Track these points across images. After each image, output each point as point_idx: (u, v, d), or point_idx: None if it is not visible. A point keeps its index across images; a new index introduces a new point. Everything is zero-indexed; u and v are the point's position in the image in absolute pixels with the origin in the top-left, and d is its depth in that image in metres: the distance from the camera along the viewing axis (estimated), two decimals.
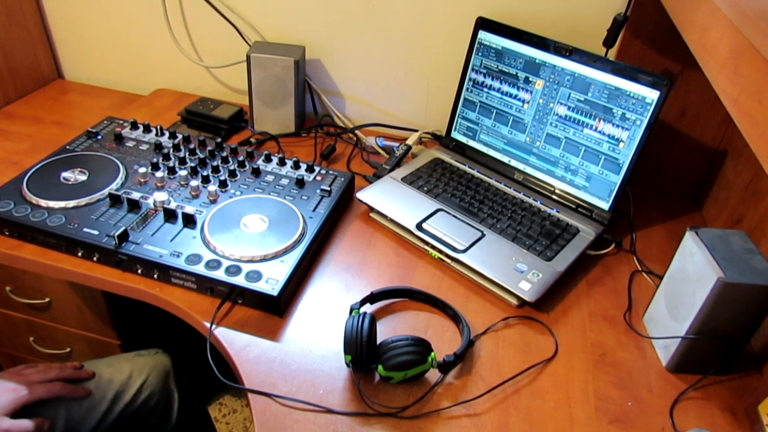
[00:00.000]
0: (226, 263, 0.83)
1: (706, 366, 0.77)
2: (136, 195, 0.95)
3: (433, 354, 0.73)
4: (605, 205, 1.01)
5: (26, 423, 0.75)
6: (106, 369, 0.89)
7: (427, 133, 1.26)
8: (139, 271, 0.86)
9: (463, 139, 1.17)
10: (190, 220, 0.90)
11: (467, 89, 1.13)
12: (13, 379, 0.79)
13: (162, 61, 1.39)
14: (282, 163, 1.07)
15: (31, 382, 0.79)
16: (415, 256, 0.96)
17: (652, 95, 0.91)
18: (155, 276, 0.85)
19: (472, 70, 1.11)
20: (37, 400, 0.78)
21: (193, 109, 1.25)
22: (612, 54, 1.06)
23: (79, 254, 0.88)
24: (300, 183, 1.02)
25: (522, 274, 0.89)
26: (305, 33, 1.27)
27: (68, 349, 1.14)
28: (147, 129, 1.13)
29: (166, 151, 1.07)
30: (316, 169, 1.07)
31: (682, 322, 0.76)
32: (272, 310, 0.82)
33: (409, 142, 1.19)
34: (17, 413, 0.76)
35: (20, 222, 0.88)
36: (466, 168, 1.12)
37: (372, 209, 1.02)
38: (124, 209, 0.92)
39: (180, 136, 1.11)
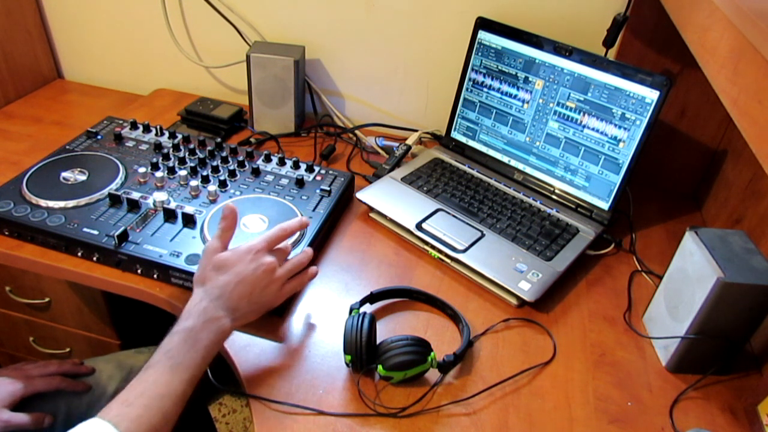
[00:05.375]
0: None
1: (706, 366, 0.77)
2: (135, 195, 0.95)
3: (432, 354, 0.73)
4: (605, 205, 1.01)
5: (24, 416, 0.75)
6: (107, 365, 0.90)
7: (427, 133, 1.26)
8: (139, 271, 0.86)
9: (463, 139, 1.17)
10: (189, 220, 0.90)
11: (467, 89, 1.13)
12: (12, 374, 0.79)
13: (162, 61, 1.39)
14: (282, 163, 1.07)
15: (29, 376, 0.80)
16: (415, 256, 0.96)
17: (651, 95, 0.91)
18: (155, 276, 0.85)
19: (472, 69, 1.11)
20: (35, 393, 0.79)
21: (192, 109, 1.25)
22: (612, 54, 1.06)
23: (79, 254, 0.88)
24: (300, 183, 1.02)
25: (522, 274, 0.89)
26: (305, 33, 1.27)
27: (68, 349, 1.14)
28: (147, 129, 1.13)
29: (165, 151, 1.07)
30: (316, 169, 1.07)
31: (682, 322, 0.76)
32: (272, 310, 0.82)
33: (409, 142, 1.19)
34: (17, 408, 0.76)
35: (20, 222, 0.88)
36: (465, 168, 1.12)
37: (372, 209, 1.02)
38: (124, 209, 0.92)
39: (180, 136, 1.11)
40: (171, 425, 0.63)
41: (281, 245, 0.76)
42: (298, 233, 0.89)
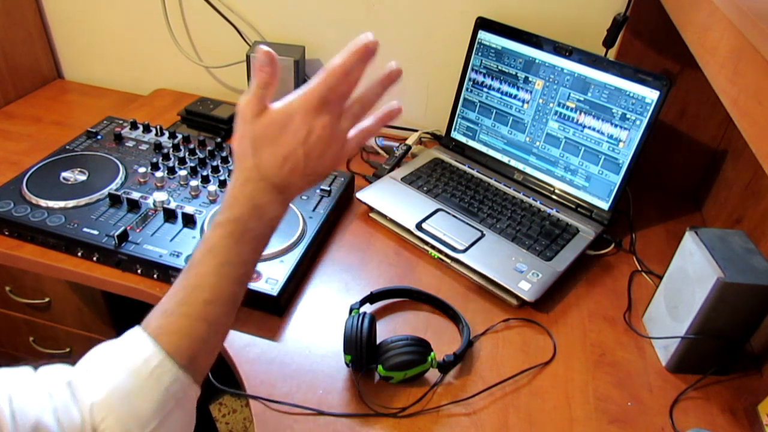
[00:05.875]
0: None
1: (706, 366, 0.77)
2: (135, 195, 0.95)
3: (432, 354, 0.73)
4: (605, 205, 1.01)
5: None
6: None
7: (427, 133, 1.26)
8: (139, 271, 0.86)
9: (463, 139, 1.17)
10: (189, 220, 0.90)
11: (467, 89, 1.13)
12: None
13: (162, 61, 1.39)
14: None
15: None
16: (415, 256, 0.96)
17: (651, 95, 0.91)
18: (155, 276, 0.85)
19: (472, 70, 1.11)
20: None
21: (192, 109, 1.25)
22: (612, 54, 1.06)
23: (79, 254, 0.88)
24: None
25: (522, 274, 0.89)
26: (305, 33, 1.27)
27: (68, 349, 1.14)
28: (147, 129, 1.13)
29: (165, 151, 1.07)
30: None
31: (682, 322, 0.76)
32: (272, 310, 0.82)
33: (409, 142, 1.19)
34: None
35: (20, 222, 0.88)
36: (465, 168, 1.12)
37: (372, 209, 1.02)
38: (124, 209, 0.92)
39: (180, 136, 1.11)
40: (223, 334, 0.56)
41: (340, 91, 0.54)
42: (298, 233, 0.89)
